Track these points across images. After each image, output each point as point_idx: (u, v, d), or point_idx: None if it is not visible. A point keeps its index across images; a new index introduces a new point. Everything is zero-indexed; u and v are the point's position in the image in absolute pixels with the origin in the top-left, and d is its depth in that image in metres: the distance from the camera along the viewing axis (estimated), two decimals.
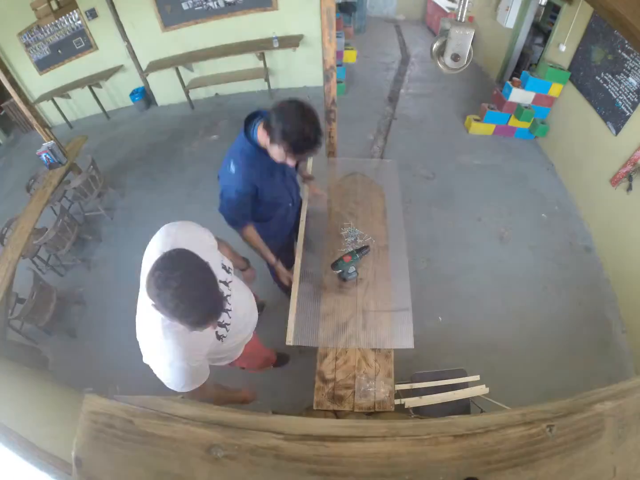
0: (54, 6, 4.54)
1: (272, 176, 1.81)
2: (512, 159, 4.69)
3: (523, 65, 5.73)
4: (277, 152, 1.58)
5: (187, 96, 5.86)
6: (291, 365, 2.74)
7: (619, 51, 3.39)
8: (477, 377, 1.96)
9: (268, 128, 1.53)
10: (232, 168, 1.68)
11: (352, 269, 2.00)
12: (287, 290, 2.15)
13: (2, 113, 6.05)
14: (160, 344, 1.14)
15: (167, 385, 1.18)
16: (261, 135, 1.60)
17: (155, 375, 1.15)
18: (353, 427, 0.64)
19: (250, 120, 1.69)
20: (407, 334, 1.83)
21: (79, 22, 5.23)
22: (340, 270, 1.98)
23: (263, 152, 1.65)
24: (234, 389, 1.78)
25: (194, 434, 0.52)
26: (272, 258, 2.07)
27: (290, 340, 1.83)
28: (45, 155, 3.76)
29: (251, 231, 1.91)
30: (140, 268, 1.28)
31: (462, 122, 5.31)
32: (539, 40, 5.68)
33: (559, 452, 0.60)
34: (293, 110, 1.48)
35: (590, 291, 3.34)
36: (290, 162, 1.64)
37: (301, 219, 2.33)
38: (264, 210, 1.92)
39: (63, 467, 0.59)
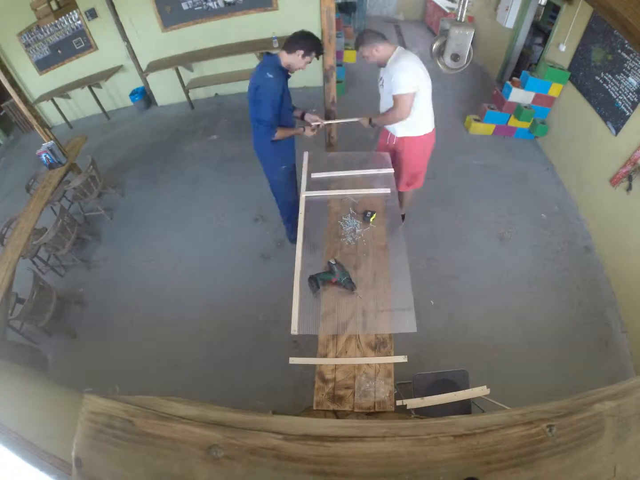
0: (54, 6, 4.54)
1: (287, 89, 2.57)
2: (512, 159, 4.69)
3: (523, 65, 5.74)
4: (303, 62, 2.46)
5: (187, 96, 5.86)
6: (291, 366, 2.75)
7: (619, 51, 3.39)
8: (484, 388, 1.94)
9: (295, 49, 2.40)
10: (270, 75, 2.41)
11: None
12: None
13: (2, 113, 6.05)
14: None
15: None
16: (287, 57, 2.45)
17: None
18: (353, 427, 0.64)
19: (267, 54, 2.57)
20: (409, 326, 1.85)
21: (79, 22, 5.24)
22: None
23: (284, 70, 2.50)
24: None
25: (194, 434, 0.52)
26: (300, 130, 2.82)
27: (295, 329, 1.84)
28: (45, 156, 3.76)
29: (280, 129, 2.62)
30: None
31: (462, 122, 5.31)
32: (539, 40, 5.69)
33: (559, 452, 0.60)
34: (308, 34, 2.42)
35: (590, 291, 3.34)
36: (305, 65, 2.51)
37: (300, 211, 2.38)
38: (283, 114, 2.59)
39: (63, 467, 0.60)
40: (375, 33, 2.58)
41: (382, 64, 2.64)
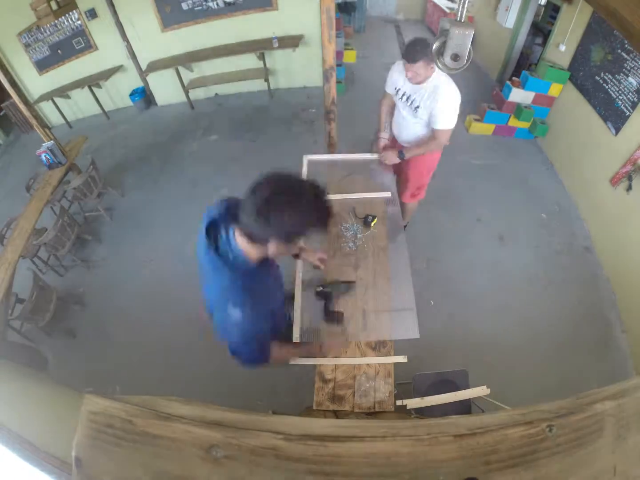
0: (54, 6, 4.55)
1: (268, 281, 1.43)
2: (511, 159, 4.69)
3: (523, 65, 5.73)
4: (286, 248, 1.20)
5: (187, 96, 5.86)
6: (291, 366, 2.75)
7: (619, 51, 3.39)
8: (484, 388, 1.94)
9: (265, 231, 1.08)
10: (236, 313, 1.21)
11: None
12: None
13: (2, 113, 6.05)
14: None
15: None
16: (248, 246, 1.18)
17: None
18: (353, 427, 0.64)
19: (212, 232, 1.35)
20: (411, 328, 1.85)
21: (79, 22, 5.23)
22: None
23: (251, 263, 1.23)
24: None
25: (194, 434, 0.52)
26: (306, 346, 1.82)
27: (297, 337, 1.84)
28: (45, 156, 3.76)
29: (277, 351, 1.55)
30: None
31: (461, 121, 5.31)
32: (539, 40, 5.69)
33: (559, 451, 0.60)
34: (294, 194, 1.06)
35: (590, 291, 3.34)
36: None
37: None
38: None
39: (63, 467, 0.59)
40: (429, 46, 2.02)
41: (419, 83, 2.33)
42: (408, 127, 2.64)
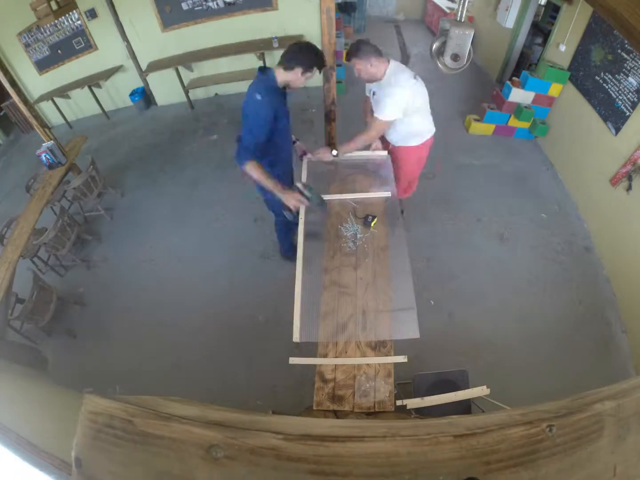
0: (54, 6, 4.55)
1: (283, 110, 2.30)
2: (511, 159, 4.69)
3: (523, 65, 5.74)
4: (303, 78, 2.20)
5: (187, 96, 5.86)
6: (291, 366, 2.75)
7: (619, 51, 3.39)
8: (484, 388, 1.94)
9: (293, 66, 2.10)
10: (258, 96, 2.09)
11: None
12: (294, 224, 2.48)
13: (2, 113, 6.05)
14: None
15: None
16: (283, 75, 2.16)
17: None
18: (353, 427, 0.64)
19: (261, 70, 2.20)
20: (412, 327, 1.85)
21: (79, 22, 5.24)
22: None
23: (279, 90, 2.22)
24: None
25: (194, 434, 0.52)
26: (277, 185, 2.27)
27: (297, 337, 1.84)
28: (45, 156, 3.76)
29: (257, 167, 2.20)
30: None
31: (461, 122, 5.31)
32: (539, 40, 5.69)
33: (559, 451, 0.60)
34: (307, 47, 2.13)
35: (590, 291, 3.34)
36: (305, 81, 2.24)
37: (300, 216, 2.34)
38: (277, 140, 2.30)
39: (63, 467, 0.60)
40: (371, 45, 2.36)
41: (373, 80, 2.49)
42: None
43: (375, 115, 2.46)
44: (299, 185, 2.28)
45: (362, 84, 2.79)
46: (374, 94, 2.59)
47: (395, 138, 2.77)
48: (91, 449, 0.50)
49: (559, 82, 4.27)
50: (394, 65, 2.43)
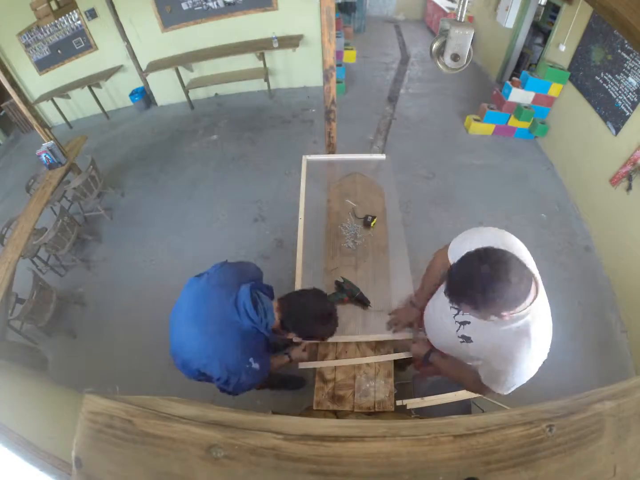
0: (54, 6, 4.54)
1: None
2: (511, 159, 4.69)
3: (523, 65, 5.74)
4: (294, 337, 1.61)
5: (187, 96, 5.86)
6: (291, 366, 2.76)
7: (619, 51, 3.39)
8: None
9: (290, 327, 1.51)
10: (256, 366, 1.45)
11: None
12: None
13: (2, 113, 6.05)
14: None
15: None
16: (276, 322, 1.49)
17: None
18: (353, 427, 0.64)
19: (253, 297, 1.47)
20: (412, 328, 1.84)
21: (79, 22, 5.23)
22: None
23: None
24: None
25: (194, 434, 0.52)
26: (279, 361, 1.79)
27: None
28: (45, 156, 3.76)
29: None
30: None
31: (461, 122, 5.31)
32: (539, 40, 5.69)
33: (558, 452, 0.60)
34: (326, 317, 1.55)
35: (590, 291, 3.34)
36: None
37: (300, 216, 2.35)
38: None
39: (63, 467, 0.60)
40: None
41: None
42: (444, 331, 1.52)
43: (499, 390, 1.41)
44: (339, 279, 1.97)
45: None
46: (463, 326, 1.40)
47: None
48: (91, 449, 0.50)
49: (559, 82, 4.28)
50: (536, 309, 1.26)
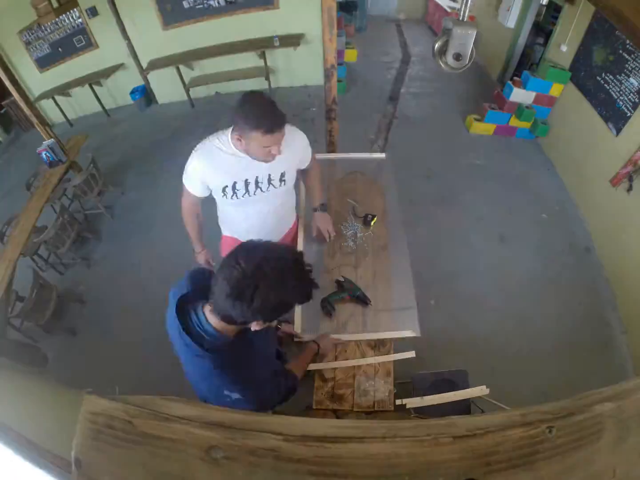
0: (55, 4, 4.55)
1: (255, 343, 1.22)
2: (512, 159, 4.69)
3: (524, 65, 5.72)
4: (268, 325, 1.08)
5: (188, 94, 5.86)
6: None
7: (620, 51, 3.39)
8: (483, 388, 1.93)
9: (245, 315, 0.96)
10: (234, 395, 1.12)
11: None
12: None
13: (2, 111, 6.05)
14: None
15: None
16: (224, 326, 1.05)
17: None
18: (352, 428, 0.64)
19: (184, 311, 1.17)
20: (412, 326, 1.85)
21: (80, 20, 5.23)
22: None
23: (230, 338, 1.10)
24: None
25: (193, 434, 0.52)
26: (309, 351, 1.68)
27: (298, 330, 1.84)
28: (45, 154, 3.76)
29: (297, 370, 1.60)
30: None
31: (462, 121, 5.30)
32: (540, 40, 5.67)
33: (558, 453, 0.60)
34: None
35: (590, 291, 3.34)
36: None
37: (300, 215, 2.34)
38: None
39: (63, 466, 0.60)
40: None
41: None
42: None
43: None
44: (339, 279, 1.97)
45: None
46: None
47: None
48: (91, 450, 0.50)
49: (560, 83, 4.27)
50: None
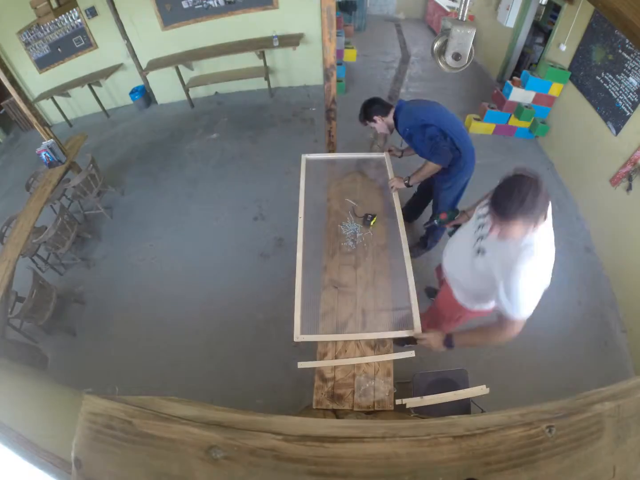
0: (54, 4, 4.54)
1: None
2: (512, 158, 4.68)
3: (523, 64, 5.73)
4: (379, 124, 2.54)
5: (187, 94, 5.85)
6: (290, 364, 2.75)
7: (620, 51, 3.39)
8: (483, 387, 1.93)
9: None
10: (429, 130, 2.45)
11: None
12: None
13: (2, 112, 6.04)
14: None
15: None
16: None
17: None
18: (352, 428, 0.64)
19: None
20: (412, 326, 1.85)
21: (79, 20, 5.22)
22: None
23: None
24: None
25: (193, 434, 0.52)
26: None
27: (297, 336, 1.84)
28: (44, 154, 3.75)
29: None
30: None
31: (462, 121, 5.28)
32: (540, 39, 5.68)
33: (558, 452, 0.60)
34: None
35: (590, 291, 3.33)
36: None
37: (299, 215, 2.34)
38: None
39: (63, 467, 0.60)
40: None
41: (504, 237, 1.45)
42: (460, 258, 1.84)
43: (513, 314, 1.52)
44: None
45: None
46: (483, 252, 1.63)
47: (468, 298, 1.95)
48: (91, 450, 0.50)
49: (560, 82, 4.27)
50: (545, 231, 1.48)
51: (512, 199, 1.30)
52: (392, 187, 2.56)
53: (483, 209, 1.70)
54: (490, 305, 1.85)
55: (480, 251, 1.64)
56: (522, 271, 1.43)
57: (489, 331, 1.66)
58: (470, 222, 1.85)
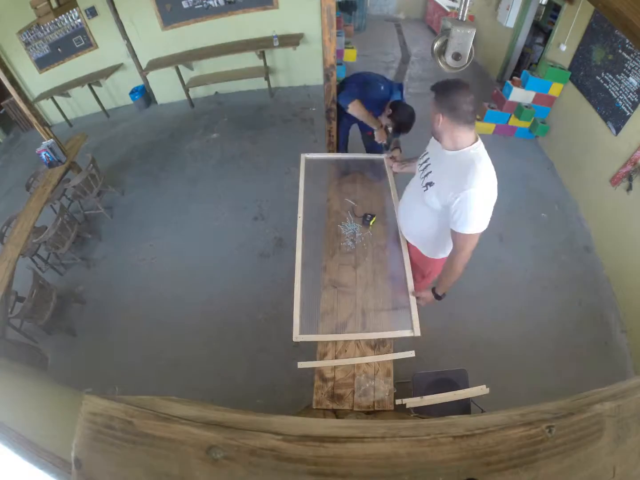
0: (54, 4, 4.54)
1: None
2: (512, 158, 4.68)
3: (523, 64, 5.73)
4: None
5: (187, 94, 5.85)
6: (290, 364, 2.75)
7: (620, 51, 3.39)
8: (483, 387, 1.93)
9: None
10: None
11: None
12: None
13: (2, 111, 6.04)
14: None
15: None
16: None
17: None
18: (352, 428, 0.64)
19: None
20: (412, 326, 1.84)
21: (79, 20, 5.22)
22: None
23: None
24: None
25: (193, 434, 0.52)
26: (378, 122, 2.77)
27: (297, 336, 1.83)
28: (44, 154, 3.75)
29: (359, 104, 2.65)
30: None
31: None
32: (540, 39, 5.68)
33: (558, 452, 0.60)
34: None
35: (590, 291, 3.34)
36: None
37: (299, 215, 2.34)
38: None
39: (63, 467, 0.59)
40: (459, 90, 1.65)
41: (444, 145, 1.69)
42: (412, 210, 2.01)
43: (466, 231, 1.62)
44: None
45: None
46: (429, 172, 1.80)
47: (432, 248, 2.06)
48: (91, 450, 0.50)
49: (560, 82, 4.27)
50: (482, 149, 1.64)
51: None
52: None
53: (424, 157, 1.89)
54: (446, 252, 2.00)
55: (428, 184, 1.77)
56: (469, 183, 1.54)
57: (451, 259, 1.82)
58: (416, 175, 1.97)
